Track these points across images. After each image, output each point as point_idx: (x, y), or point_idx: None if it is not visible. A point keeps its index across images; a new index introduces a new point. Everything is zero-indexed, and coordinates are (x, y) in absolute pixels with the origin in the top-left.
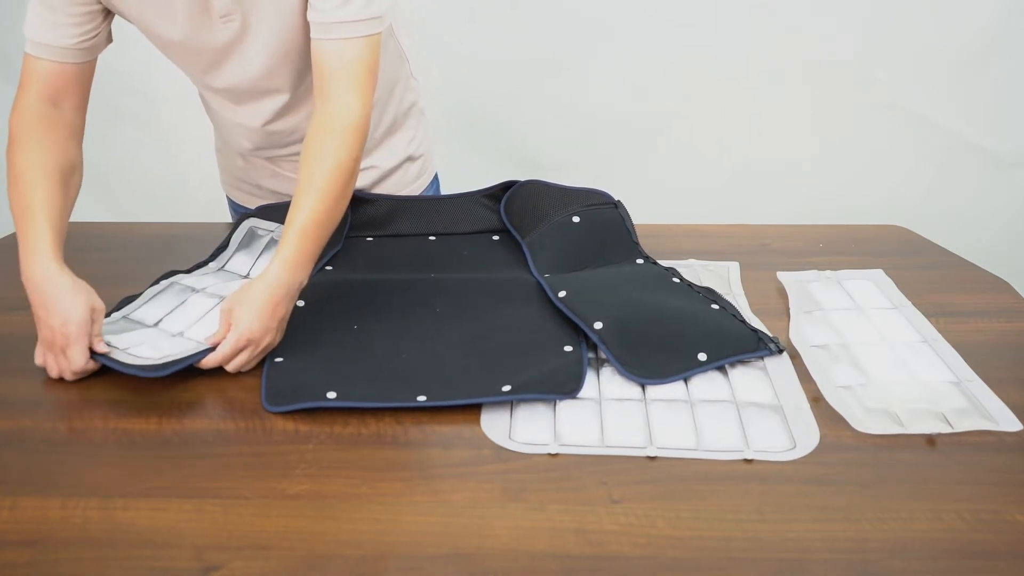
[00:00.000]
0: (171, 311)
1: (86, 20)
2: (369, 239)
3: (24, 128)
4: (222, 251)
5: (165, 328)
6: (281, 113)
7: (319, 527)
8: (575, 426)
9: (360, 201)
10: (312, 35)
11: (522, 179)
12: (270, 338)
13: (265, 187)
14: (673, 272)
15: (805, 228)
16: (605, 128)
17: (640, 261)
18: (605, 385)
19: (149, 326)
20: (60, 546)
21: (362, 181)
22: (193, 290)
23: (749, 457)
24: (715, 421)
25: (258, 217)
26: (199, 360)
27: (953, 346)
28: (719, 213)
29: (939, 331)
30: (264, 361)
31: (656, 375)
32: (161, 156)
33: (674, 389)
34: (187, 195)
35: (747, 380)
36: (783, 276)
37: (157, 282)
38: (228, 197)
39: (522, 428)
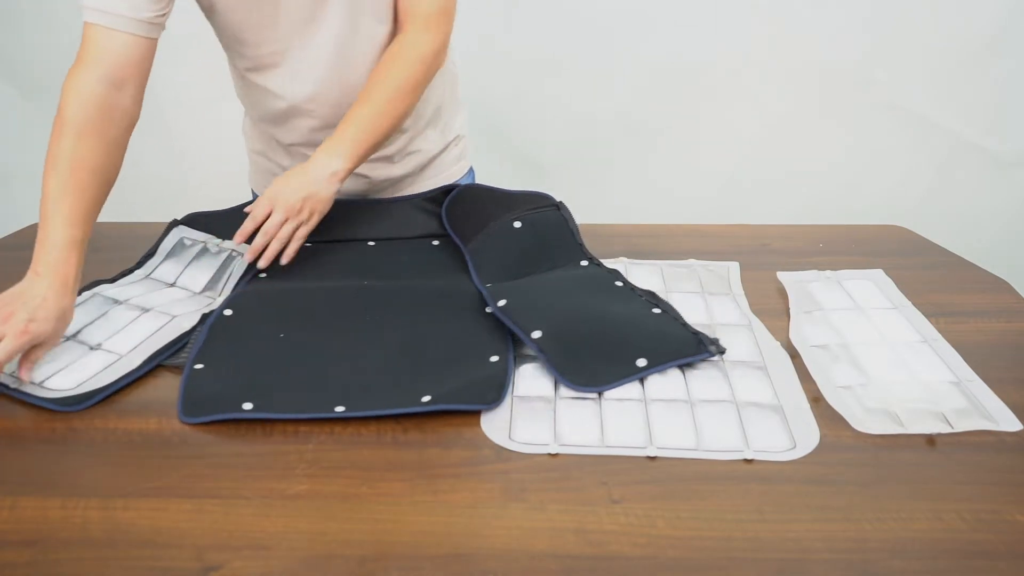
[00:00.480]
0: (91, 322)
1: None
2: (308, 245)
3: (81, 112)
4: (149, 258)
5: (83, 340)
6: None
7: (319, 527)
8: (575, 426)
9: None
10: None
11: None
12: (303, 206)
13: None
14: (616, 275)
15: (805, 228)
16: (605, 128)
17: (584, 263)
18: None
19: (67, 337)
20: (60, 546)
21: (407, 167)
22: (116, 302)
23: (749, 457)
24: (715, 421)
25: (186, 226)
26: (118, 389)
27: (953, 346)
28: (719, 213)
29: (939, 331)
30: (184, 368)
31: (593, 382)
32: (163, 156)
33: (674, 389)
34: (188, 195)
35: (747, 380)
36: (783, 276)
37: (79, 292)
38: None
39: (522, 428)
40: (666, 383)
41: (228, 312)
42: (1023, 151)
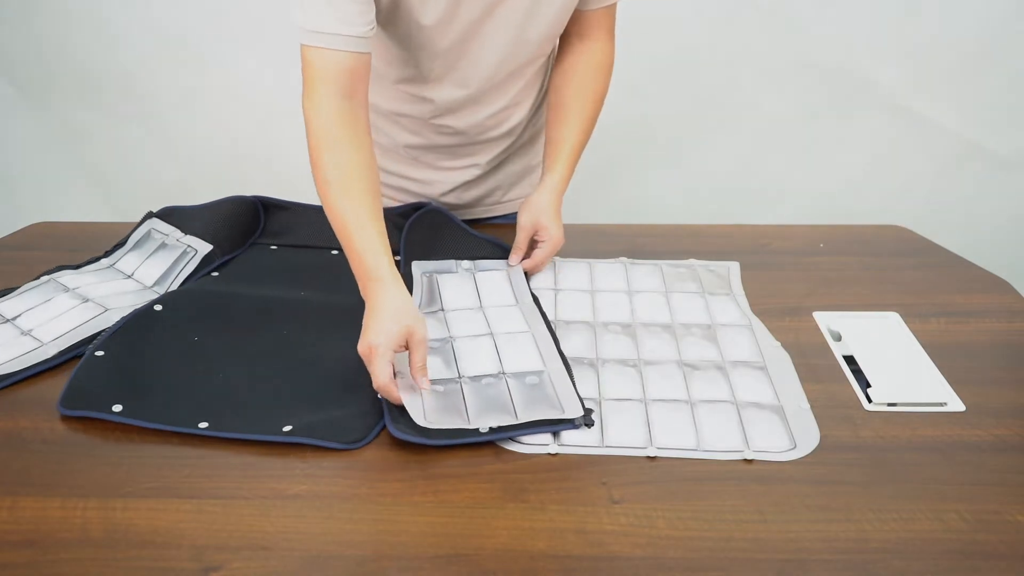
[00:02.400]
0: (33, 307)
1: (367, 8)
2: (273, 247)
3: (330, 128)
4: (119, 247)
5: (19, 324)
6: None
7: (319, 527)
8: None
9: (275, 208)
10: (581, 7)
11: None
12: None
13: (407, 176)
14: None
15: (805, 228)
16: (605, 128)
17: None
18: (605, 385)
19: (8, 319)
20: (60, 546)
21: (493, 185)
22: (65, 289)
23: (749, 457)
24: (715, 421)
25: (160, 219)
26: (31, 375)
27: (953, 346)
28: (719, 213)
29: (939, 331)
30: (83, 353)
31: (422, 434)
32: (162, 156)
33: (674, 389)
34: (187, 195)
35: (747, 380)
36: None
37: (39, 276)
38: None
39: None
40: (666, 383)
41: (158, 308)
42: None
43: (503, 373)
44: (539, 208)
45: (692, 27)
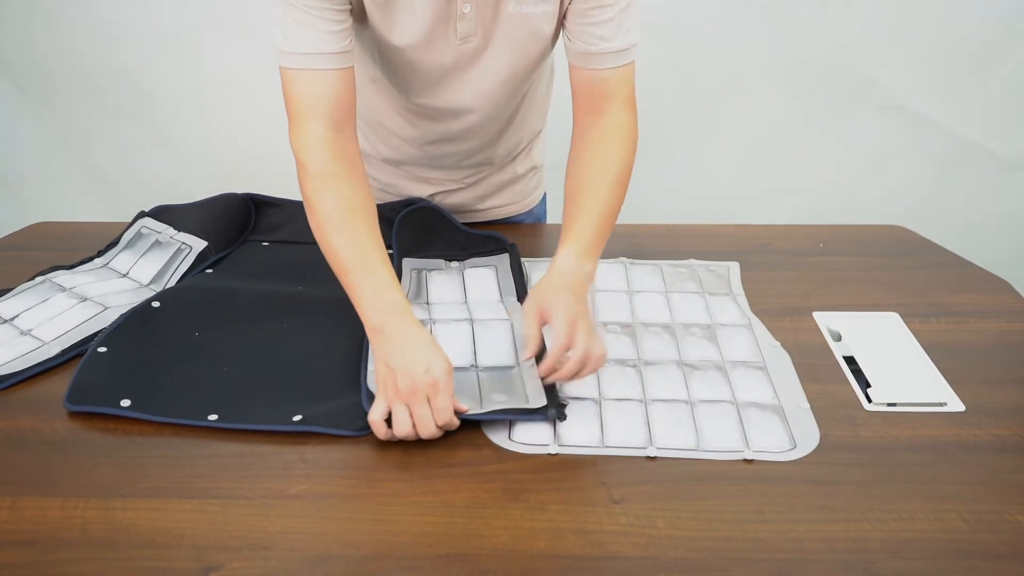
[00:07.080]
0: (31, 307)
1: (344, 19)
2: (265, 244)
3: (321, 163)
4: (112, 247)
5: (18, 324)
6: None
7: (319, 527)
8: (575, 426)
9: (265, 205)
10: (584, 64)
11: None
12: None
13: (387, 182)
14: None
15: (805, 228)
16: None
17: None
18: (605, 385)
19: (6, 320)
20: (60, 546)
21: (482, 190)
22: (61, 288)
23: (749, 457)
24: (715, 421)
25: (153, 217)
26: (32, 375)
27: (953, 346)
28: (719, 213)
29: (939, 331)
30: (87, 349)
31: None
32: (162, 156)
33: (674, 389)
34: (187, 195)
35: (747, 380)
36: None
37: (33, 277)
38: None
39: (522, 428)
40: (666, 383)
41: (156, 304)
42: None
43: (475, 366)
44: (551, 293)
45: (692, 27)
